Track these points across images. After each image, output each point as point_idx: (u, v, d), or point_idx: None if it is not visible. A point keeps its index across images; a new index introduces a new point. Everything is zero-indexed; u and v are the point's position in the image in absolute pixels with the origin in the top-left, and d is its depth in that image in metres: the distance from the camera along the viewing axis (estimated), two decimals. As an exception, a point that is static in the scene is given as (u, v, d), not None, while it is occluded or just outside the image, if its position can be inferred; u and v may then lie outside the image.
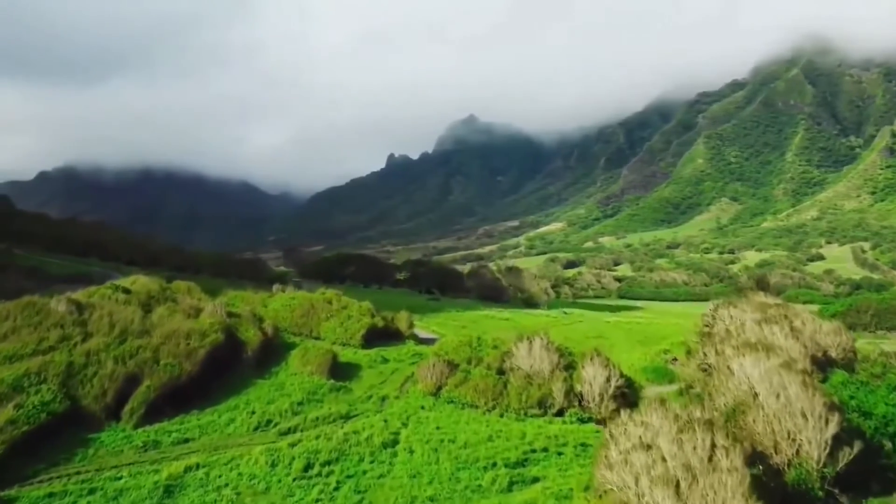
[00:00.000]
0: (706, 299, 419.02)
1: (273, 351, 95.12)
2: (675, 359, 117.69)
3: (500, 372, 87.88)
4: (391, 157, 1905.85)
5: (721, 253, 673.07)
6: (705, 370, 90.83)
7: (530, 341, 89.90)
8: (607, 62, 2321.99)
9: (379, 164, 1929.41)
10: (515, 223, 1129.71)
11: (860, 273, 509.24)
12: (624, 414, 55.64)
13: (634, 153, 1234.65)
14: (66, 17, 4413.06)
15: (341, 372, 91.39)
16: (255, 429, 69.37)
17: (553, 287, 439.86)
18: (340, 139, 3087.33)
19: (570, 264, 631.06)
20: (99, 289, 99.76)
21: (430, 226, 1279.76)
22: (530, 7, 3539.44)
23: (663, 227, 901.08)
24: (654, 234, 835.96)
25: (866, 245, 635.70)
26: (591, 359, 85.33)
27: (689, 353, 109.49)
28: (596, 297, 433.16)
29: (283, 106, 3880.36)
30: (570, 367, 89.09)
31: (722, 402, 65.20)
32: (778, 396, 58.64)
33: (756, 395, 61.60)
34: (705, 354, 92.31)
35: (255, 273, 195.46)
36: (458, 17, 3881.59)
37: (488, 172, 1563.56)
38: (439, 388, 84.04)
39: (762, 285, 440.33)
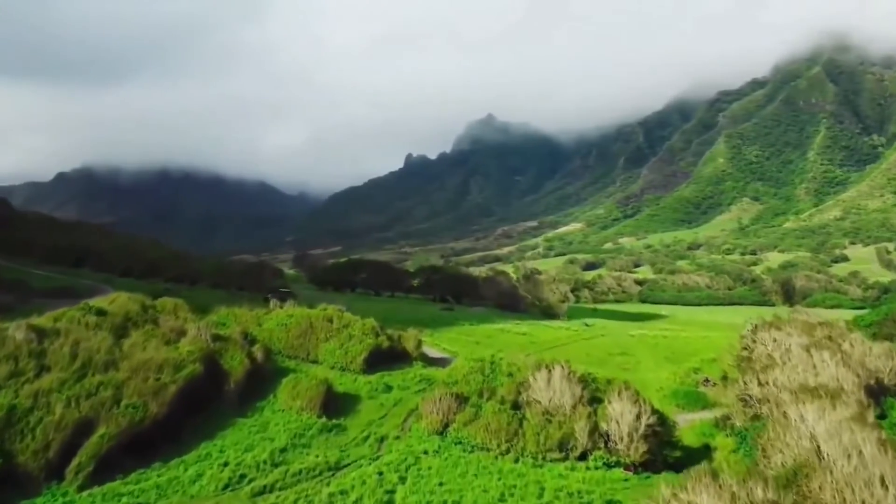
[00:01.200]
0: (730, 303, 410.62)
1: (262, 380, 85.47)
2: (707, 380, 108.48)
3: (516, 406, 78.08)
4: (409, 156, 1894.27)
5: (743, 254, 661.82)
6: (745, 401, 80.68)
7: (549, 370, 79.92)
8: (626, 61, 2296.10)
9: (397, 163, 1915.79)
10: (534, 223, 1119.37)
11: (887, 275, 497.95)
12: (666, 491, 45.34)
13: (654, 153, 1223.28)
14: (82, 19, 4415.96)
15: (337, 405, 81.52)
16: (225, 487, 58.96)
17: (573, 291, 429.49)
18: (358, 139, 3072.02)
19: (590, 266, 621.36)
20: (68, 311, 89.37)
21: (448, 226, 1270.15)
22: (547, 6, 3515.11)
23: (683, 227, 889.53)
24: (674, 235, 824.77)
25: (891, 246, 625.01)
26: (619, 392, 75.44)
27: (725, 378, 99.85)
28: (616, 301, 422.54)
29: (300, 106, 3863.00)
30: (594, 400, 79.06)
31: (779, 460, 54.79)
32: (850, 458, 48.13)
33: (821, 455, 51.05)
34: (746, 384, 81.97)
35: (258, 282, 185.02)
36: (474, 17, 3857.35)
37: (506, 172, 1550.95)
38: (446, 426, 74.21)
39: (787, 289, 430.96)
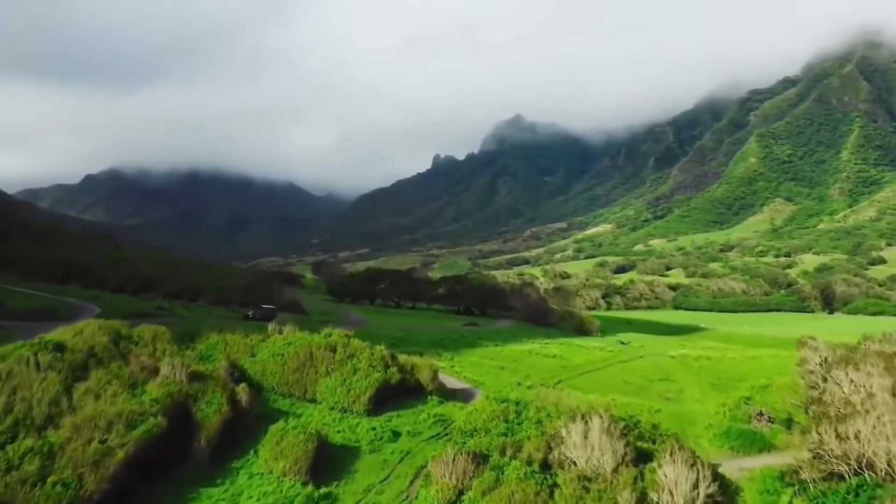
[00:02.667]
0: (767, 310, 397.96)
1: (244, 430, 71.99)
2: (761, 413, 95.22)
3: (545, 466, 64.78)
4: (436, 157, 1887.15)
5: (777, 256, 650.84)
6: (819, 456, 67.01)
7: (586, 421, 66.25)
8: (655, 60, 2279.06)
9: (424, 164, 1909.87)
10: (563, 225, 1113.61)
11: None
12: None
13: (684, 152, 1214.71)
14: (110, 23, 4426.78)
15: (330, 463, 67.95)
16: None
17: (604, 297, 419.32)
18: (385, 140, 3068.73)
19: (620, 269, 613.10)
20: (19, 346, 75.75)
21: (476, 228, 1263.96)
22: (575, 5, 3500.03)
23: (715, 228, 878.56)
24: (705, 237, 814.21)
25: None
26: (672, 453, 61.74)
27: (789, 420, 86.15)
28: (650, 307, 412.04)
29: (328, 108, 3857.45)
30: (640, 458, 65.62)
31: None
32: None
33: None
34: (821, 436, 68.13)
35: (265, 297, 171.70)
36: (502, 18, 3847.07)
37: (535, 173, 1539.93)
38: (460, 494, 60.61)
39: (827, 295, 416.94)
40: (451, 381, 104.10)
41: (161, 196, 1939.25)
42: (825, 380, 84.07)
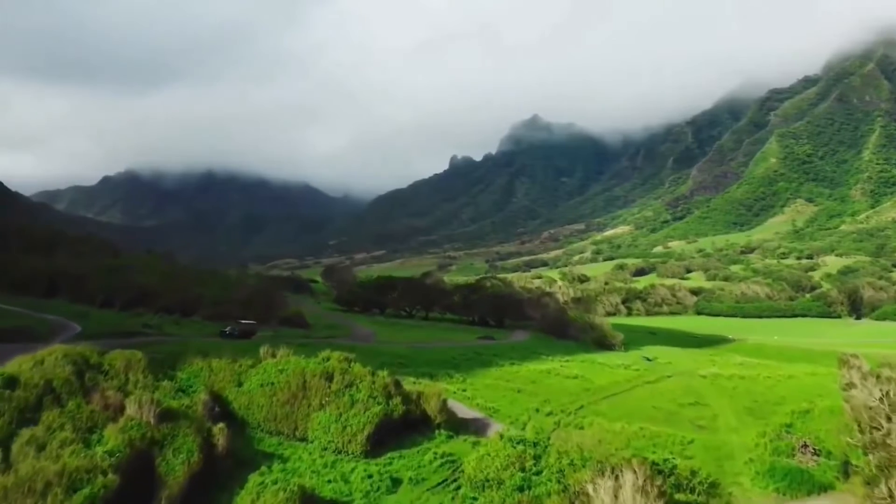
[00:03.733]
0: (792, 315, 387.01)
1: (217, 483, 62.10)
2: (806, 445, 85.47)
3: (569, 531, 54.63)
4: (453, 158, 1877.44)
5: (799, 258, 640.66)
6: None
7: (617, 476, 56.17)
8: (673, 59, 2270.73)
9: (441, 165, 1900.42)
10: (581, 226, 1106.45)
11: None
12: None
13: (703, 153, 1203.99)
14: (126, 24, 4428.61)
15: (316, 525, 58.04)
16: None
17: (624, 302, 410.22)
18: (402, 141, 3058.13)
19: (640, 271, 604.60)
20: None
21: (493, 229, 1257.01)
22: (591, 5, 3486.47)
23: (735, 230, 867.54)
24: (726, 238, 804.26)
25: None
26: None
27: (847, 464, 76.21)
28: (672, 313, 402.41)
29: (344, 108, 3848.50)
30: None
31: None
32: None
33: None
34: (892, 491, 57.92)
35: (268, 308, 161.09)
36: (517, 19, 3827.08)
37: (552, 173, 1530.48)
38: (468, 569, 50.64)
39: (854, 300, 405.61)
40: (462, 409, 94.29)
41: (177, 197, 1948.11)
42: (889, 419, 73.19)
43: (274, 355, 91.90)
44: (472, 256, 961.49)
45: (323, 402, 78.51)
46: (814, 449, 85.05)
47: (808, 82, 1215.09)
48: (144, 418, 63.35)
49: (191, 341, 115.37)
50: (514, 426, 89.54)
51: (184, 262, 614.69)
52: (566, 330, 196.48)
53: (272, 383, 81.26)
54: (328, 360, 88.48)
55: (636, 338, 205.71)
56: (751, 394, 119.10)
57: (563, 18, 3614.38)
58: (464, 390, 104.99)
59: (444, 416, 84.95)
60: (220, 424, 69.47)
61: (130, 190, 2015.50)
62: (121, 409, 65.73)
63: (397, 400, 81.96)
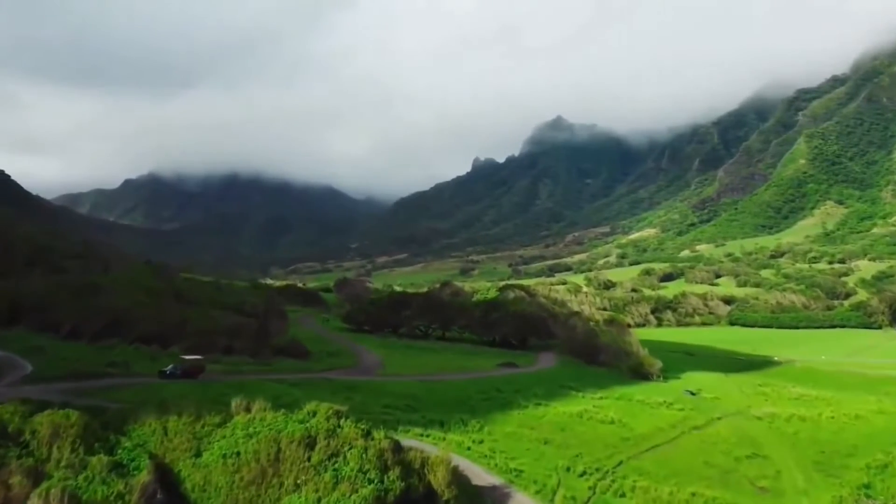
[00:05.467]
0: (831, 326, 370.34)
1: None
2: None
3: None
4: (476, 160, 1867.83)
5: (830, 262, 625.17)
6: None
7: None
8: (698, 59, 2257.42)
9: (464, 168, 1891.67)
10: (606, 229, 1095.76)
11: None
12: None
13: (730, 154, 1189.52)
14: (150, 28, 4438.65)
15: None
16: None
17: (653, 312, 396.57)
18: (425, 143, 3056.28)
19: (667, 276, 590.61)
20: None
21: (517, 232, 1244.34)
22: (614, 5, 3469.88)
23: (764, 232, 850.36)
24: (755, 241, 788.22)
25: None
26: None
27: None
28: (704, 324, 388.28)
29: (366, 111, 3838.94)
30: None
31: None
32: None
33: None
34: None
35: (259, 337, 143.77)
36: (541, 21, 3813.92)
37: (576, 175, 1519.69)
38: None
39: (895, 310, 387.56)
40: (477, 472, 78.37)
41: (200, 200, 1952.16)
42: None
43: (248, 409, 75.19)
44: (494, 260, 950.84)
45: (299, 480, 61.80)
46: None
47: (836, 82, 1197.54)
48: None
49: (156, 385, 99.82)
50: (540, 495, 73.57)
51: (204, 266, 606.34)
52: (597, 355, 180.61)
53: (237, 453, 64.28)
54: (313, 415, 72.01)
55: (673, 361, 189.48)
56: (816, 442, 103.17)
57: (585, 19, 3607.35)
58: (480, 442, 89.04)
59: (453, 491, 68.22)
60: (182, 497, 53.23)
61: (153, 193, 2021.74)
62: (25, 504, 49.96)
63: (395, 473, 65.09)
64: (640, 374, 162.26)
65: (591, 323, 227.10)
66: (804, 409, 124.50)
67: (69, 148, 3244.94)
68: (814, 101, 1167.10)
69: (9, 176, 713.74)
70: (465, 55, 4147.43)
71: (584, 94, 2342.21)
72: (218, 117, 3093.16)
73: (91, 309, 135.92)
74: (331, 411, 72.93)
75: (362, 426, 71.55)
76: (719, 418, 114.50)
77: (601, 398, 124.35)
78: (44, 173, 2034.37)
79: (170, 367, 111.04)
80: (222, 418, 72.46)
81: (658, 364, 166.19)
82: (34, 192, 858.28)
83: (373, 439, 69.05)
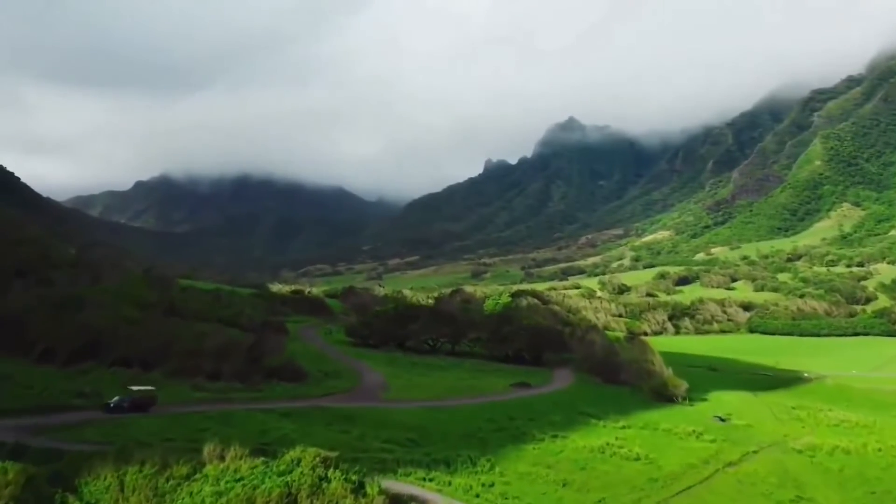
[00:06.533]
0: (854, 334, 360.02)
1: None
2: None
3: None
4: (488, 162, 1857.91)
5: (848, 266, 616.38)
6: None
7: None
8: (711, 60, 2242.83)
9: (476, 169, 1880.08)
10: (619, 231, 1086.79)
11: None
12: None
13: (744, 155, 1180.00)
14: (161, 30, 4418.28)
15: None
16: None
17: (671, 319, 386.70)
18: (436, 145, 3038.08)
19: (682, 280, 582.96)
20: None
21: (529, 234, 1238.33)
22: (627, 6, 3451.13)
23: (780, 235, 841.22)
24: (770, 244, 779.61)
25: None
26: None
27: None
28: (722, 331, 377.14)
29: (377, 113, 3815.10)
30: None
31: None
32: None
33: None
34: None
35: (251, 359, 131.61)
36: (553, 21, 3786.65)
37: (589, 177, 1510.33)
38: None
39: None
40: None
41: (211, 202, 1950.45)
42: None
43: (222, 456, 64.94)
44: (507, 263, 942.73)
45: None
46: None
47: (851, 82, 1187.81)
48: None
49: (125, 420, 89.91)
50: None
51: (213, 269, 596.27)
52: (617, 374, 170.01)
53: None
54: (297, 463, 61.94)
55: (696, 378, 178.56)
56: (864, 480, 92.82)
57: (597, 20, 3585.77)
58: (491, 486, 78.89)
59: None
60: None
61: (164, 195, 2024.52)
62: None
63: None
64: (663, 395, 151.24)
65: (610, 335, 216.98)
66: (846, 438, 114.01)
67: (80, 150, 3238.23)
68: (829, 101, 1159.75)
69: (19, 178, 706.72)
70: (477, 56, 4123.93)
71: (596, 94, 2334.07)
72: (229, 119, 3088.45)
73: (68, 327, 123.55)
74: (317, 459, 62.83)
75: (354, 477, 61.55)
76: (755, 452, 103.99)
77: (623, 427, 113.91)
78: (55, 176, 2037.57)
79: (115, 399, 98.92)
80: (192, 468, 62.34)
81: (684, 385, 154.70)
82: (45, 195, 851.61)
83: (365, 495, 59.04)
